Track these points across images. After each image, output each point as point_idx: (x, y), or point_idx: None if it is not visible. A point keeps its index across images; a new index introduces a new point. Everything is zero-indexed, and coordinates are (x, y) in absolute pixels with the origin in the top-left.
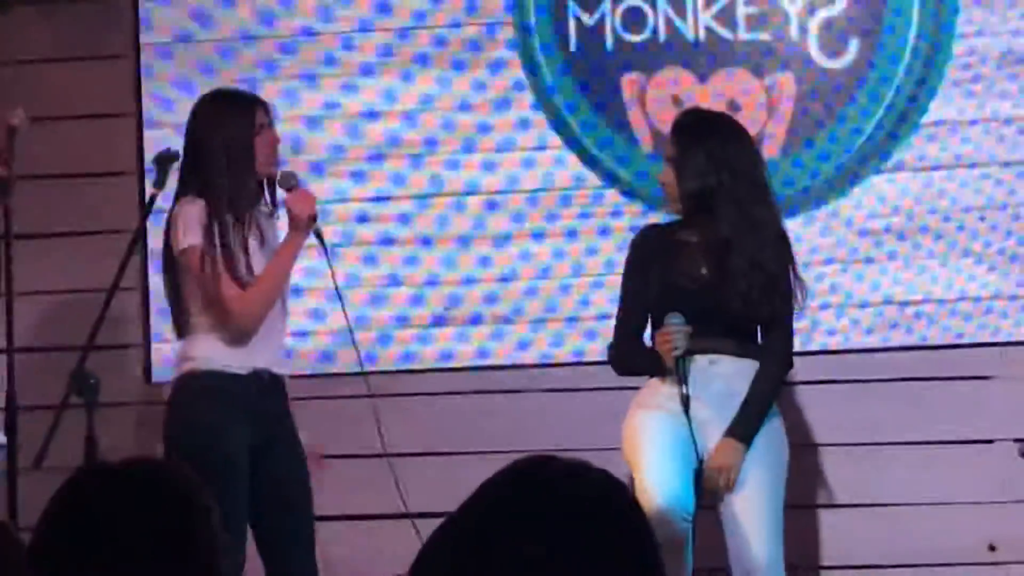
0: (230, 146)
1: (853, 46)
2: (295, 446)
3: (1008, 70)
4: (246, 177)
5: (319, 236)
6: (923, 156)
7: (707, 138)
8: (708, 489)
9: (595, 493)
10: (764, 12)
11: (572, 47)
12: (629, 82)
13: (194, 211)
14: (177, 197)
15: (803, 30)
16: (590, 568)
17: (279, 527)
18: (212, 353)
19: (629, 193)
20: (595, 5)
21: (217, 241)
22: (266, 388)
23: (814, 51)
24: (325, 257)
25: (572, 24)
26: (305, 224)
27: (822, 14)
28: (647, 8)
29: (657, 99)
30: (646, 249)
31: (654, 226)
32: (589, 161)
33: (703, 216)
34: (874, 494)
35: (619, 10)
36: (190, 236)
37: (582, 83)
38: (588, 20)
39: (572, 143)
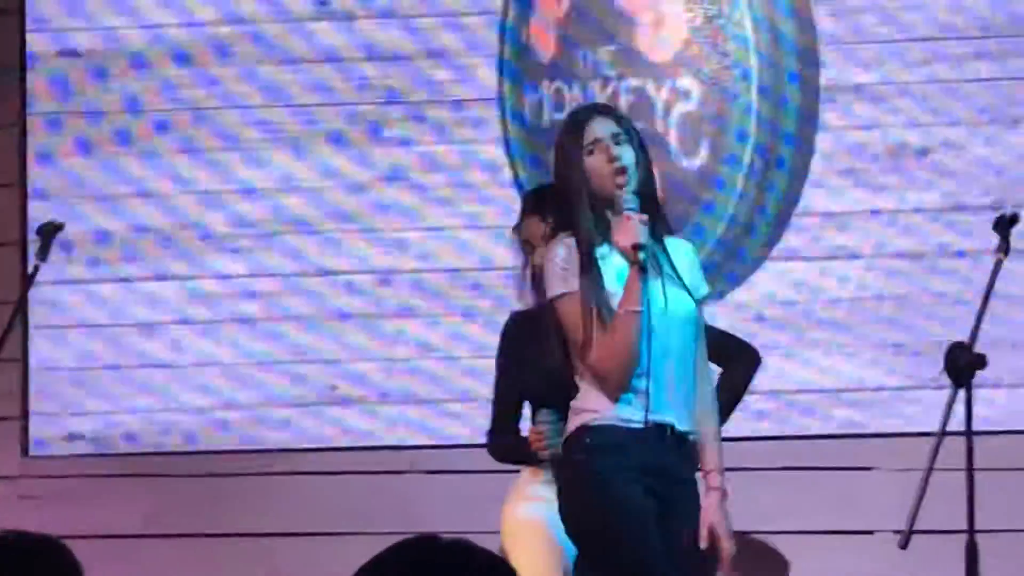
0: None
1: (704, 147)
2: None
3: (888, 163)
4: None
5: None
6: (803, 248)
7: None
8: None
9: (481, 572)
10: (639, 103)
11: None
12: None
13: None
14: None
15: (666, 126)
16: None
17: None
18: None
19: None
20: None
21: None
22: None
23: (674, 147)
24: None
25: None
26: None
27: (679, 109)
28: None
29: None
30: (519, 334)
31: (525, 313)
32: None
33: None
34: None
35: (552, 88)
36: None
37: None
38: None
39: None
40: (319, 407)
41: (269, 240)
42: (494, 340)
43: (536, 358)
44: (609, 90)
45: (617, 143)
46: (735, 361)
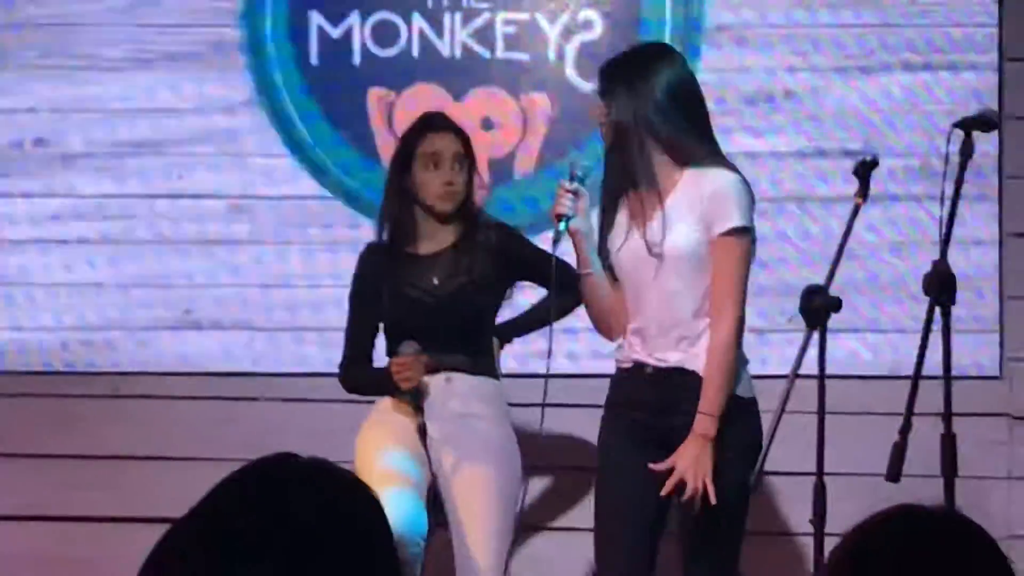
0: None
1: None
2: None
3: (750, 106)
4: None
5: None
6: None
7: None
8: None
9: (340, 488)
10: (522, 32)
11: (313, 60)
12: (376, 97)
13: None
14: None
15: (560, 52)
16: (334, 563)
17: None
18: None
19: (365, 209)
20: (341, 17)
21: None
22: None
23: (571, 73)
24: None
25: (315, 36)
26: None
27: (579, 38)
28: (400, 22)
29: (407, 116)
30: (373, 264)
31: (380, 243)
32: (321, 174)
33: (435, 226)
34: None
35: (368, 23)
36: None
37: (322, 97)
38: (334, 32)
39: (307, 158)
40: (172, 331)
41: (124, 161)
42: (351, 269)
43: (397, 288)
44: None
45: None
46: (571, 290)
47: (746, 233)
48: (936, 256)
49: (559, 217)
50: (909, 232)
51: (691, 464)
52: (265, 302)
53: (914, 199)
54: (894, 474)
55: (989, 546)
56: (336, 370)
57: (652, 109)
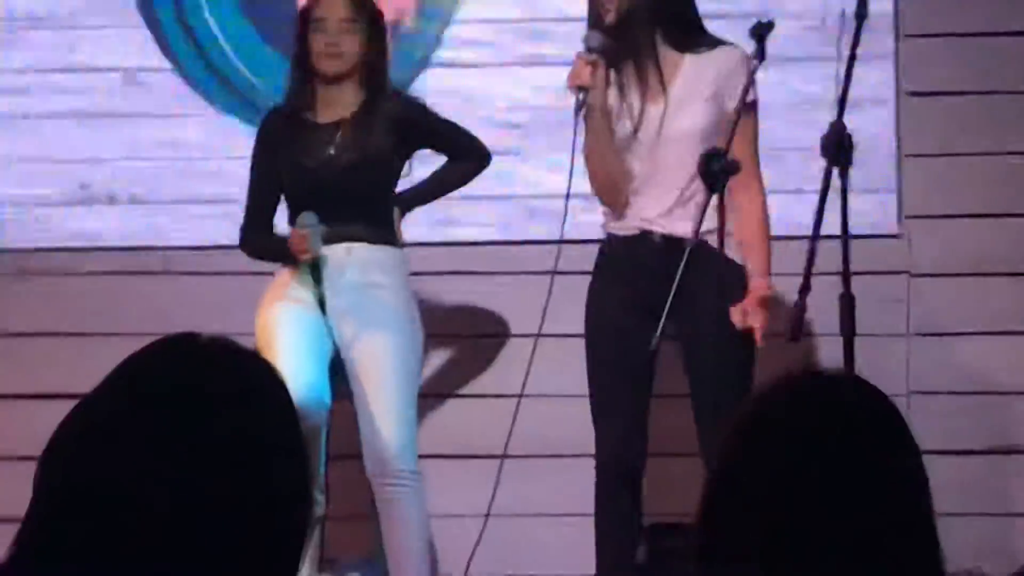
0: None
1: None
2: None
3: None
4: None
5: None
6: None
7: None
8: None
9: (242, 367)
10: None
11: None
12: None
13: None
14: None
15: None
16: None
17: None
18: None
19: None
20: None
21: None
22: None
23: None
24: None
25: None
26: None
27: None
28: None
29: None
30: (273, 132)
31: (281, 108)
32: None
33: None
34: (498, 386)
35: None
36: None
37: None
38: None
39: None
40: (69, 207)
41: (18, 35)
42: (251, 141)
43: (294, 157)
44: None
45: None
46: (464, 158)
47: (756, 105)
48: (833, 117)
49: (580, 88)
50: (806, 93)
51: (763, 319)
52: (162, 175)
53: (810, 60)
54: (794, 335)
55: (889, 410)
56: (237, 243)
57: None
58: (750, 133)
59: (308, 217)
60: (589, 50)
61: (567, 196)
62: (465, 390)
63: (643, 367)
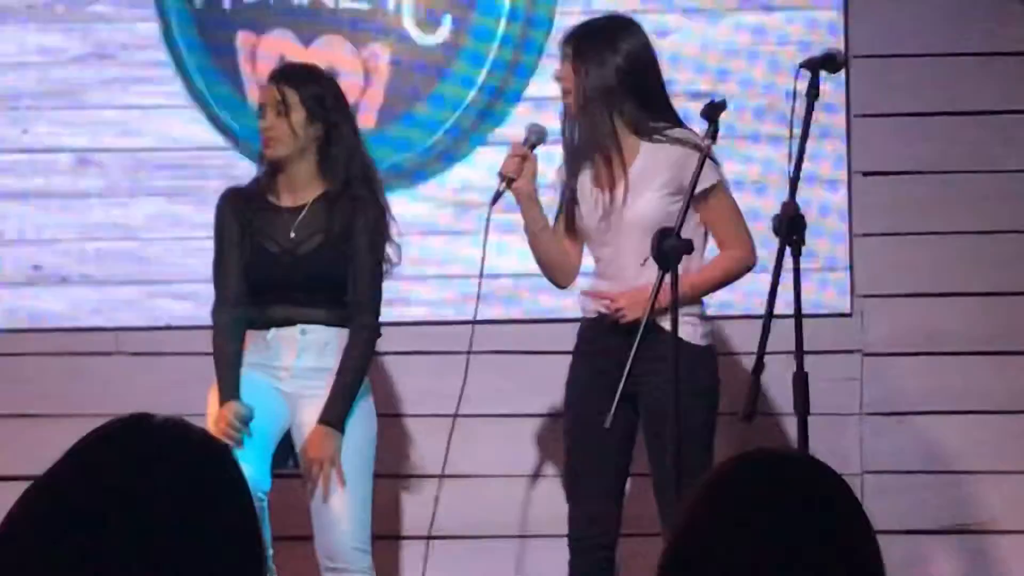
0: None
1: (447, 23)
2: None
3: None
4: None
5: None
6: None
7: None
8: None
9: (195, 451)
10: None
11: (198, 4)
12: (243, 40)
13: None
14: None
15: (398, 3)
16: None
17: None
18: None
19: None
20: None
21: None
22: None
23: (409, 25)
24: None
25: None
26: None
27: None
28: None
29: (266, 59)
30: (236, 210)
31: (241, 190)
32: (211, 119)
33: (298, 180)
34: (460, 466)
35: None
36: None
37: (206, 39)
38: None
39: (199, 102)
40: (21, 287)
41: None
42: (204, 220)
43: (256, 240)
44: None
45: None
46: (355, 314)
47: (720, 185)
48: (786, 196)
49: (503, 177)
50: (759, 172)
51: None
52: (114, 256)
53: (763, 139)
54: (748, 413)
55: (842, 489)
56: (189, 323)
57: (619, 80)
58: (725, 212)
59: (243, 407)
60: (525, 141)
61: (480, 275)
62: (424, 469)
63: (611, 446)
